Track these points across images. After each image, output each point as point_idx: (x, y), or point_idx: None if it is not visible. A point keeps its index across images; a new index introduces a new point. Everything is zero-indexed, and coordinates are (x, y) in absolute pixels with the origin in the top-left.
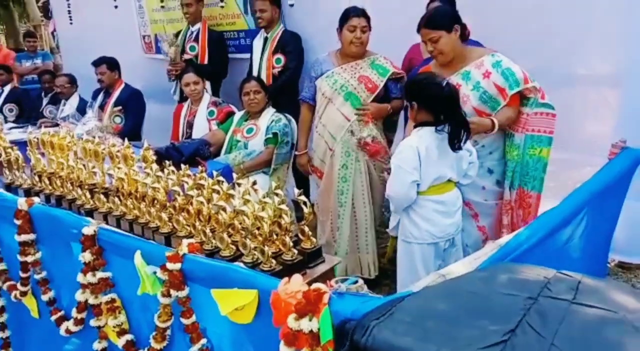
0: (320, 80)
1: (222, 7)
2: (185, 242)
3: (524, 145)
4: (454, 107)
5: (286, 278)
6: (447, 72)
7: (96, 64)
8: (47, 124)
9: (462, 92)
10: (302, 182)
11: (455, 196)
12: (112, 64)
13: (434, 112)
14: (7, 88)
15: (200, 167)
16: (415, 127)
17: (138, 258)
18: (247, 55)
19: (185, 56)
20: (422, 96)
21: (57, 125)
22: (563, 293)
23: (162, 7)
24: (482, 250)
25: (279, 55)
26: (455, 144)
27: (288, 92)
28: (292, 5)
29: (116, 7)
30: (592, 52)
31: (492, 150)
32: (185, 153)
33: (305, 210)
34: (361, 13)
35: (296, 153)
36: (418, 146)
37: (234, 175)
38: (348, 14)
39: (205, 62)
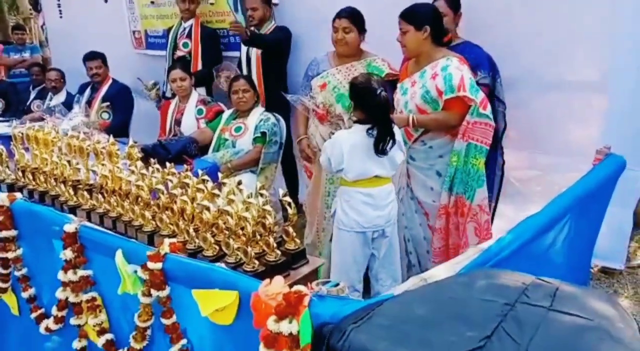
0: (315, 80)
1: (211, 4)
2: (167, 241)
3: (465, 153)
4: (384, 115)
5: (267, 280)
6: (415, 68)
7: (90, 58)
8: (34, 119)
9: (413, 89)
10: (292, 182)
11: (386, 191)
12: (104, 59)
13: (367, 114)
14: None
15: (185, 165)
16: (354, 122)
17: (119, 257)
18: (237, 53)
19: (178, 53)
20: (359, 98)
21: (42, 119)
22: (540, 299)
23: (152, 2)
24: (463, 254)
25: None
26: (379, 148)
27: (278, 92)
28: (276, 5)
29: (106, 1)
30: (578, 58)
31: (441, 153)
32: (173, 151)
33: (290, 211)
34: (344, 14)
35: (297, 140)
36: (342, 141)
37: (220, 175)
38: (334, 16)
39: (199, 58)
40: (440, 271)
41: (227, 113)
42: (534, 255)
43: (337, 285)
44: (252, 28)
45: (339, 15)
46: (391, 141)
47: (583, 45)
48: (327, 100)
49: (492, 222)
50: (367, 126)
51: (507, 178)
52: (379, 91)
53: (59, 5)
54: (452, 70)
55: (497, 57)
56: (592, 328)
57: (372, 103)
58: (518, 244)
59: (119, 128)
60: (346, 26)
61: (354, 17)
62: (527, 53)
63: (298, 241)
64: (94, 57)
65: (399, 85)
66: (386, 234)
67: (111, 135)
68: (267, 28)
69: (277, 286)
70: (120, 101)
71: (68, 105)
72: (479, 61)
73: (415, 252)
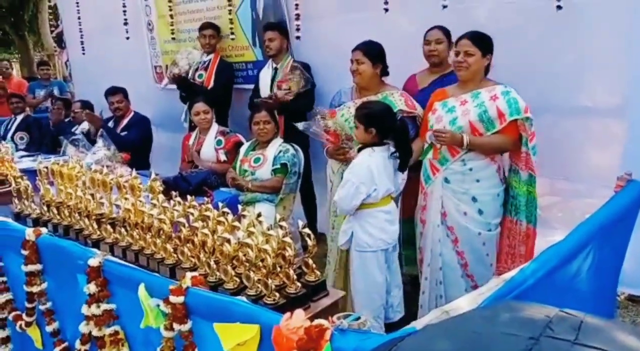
0: (335, 109)
1: (232, 39)
2: (188, 275)
3: (529, 182)
4: (405, 137)
5: (288, 314)
6: (460, 91)
7: (111, 92)
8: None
9: (465, 107)
10: (310, 211)
11: (394, 206)
12: (126, 93)
13: (386, 138)
14: (19, 117)
15: (206, 197)
16: (363, 147)
17: (142, 290)
18: (252, 86)
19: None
20: (378, 121)
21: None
22: (565, 333)
23: (173, 38)
24: (486, 285)
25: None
26: (403, 167)
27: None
28: (298, 38)
29: (128, 38)
30: (596, 84)
31: (479, 177)
32: (193, 183)
33: (310, 242)
34: (358, 47)
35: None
36: (370, 164)
37: (239, 207)
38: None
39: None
40: (462, 303)
41: (246, 144)
42: (558, 285)
43: (359, 318)
44: (284, 94)
45: (355, 47)
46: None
47: (601, 71)
48: (337, 126)
49: None
50: (388, 149)
51: None
52: (398, 117)
53: (82, 43)
54: (515, 95)
55: (514, 86)
56: None
57: (393, 126)
58: (541, 274)
59: (135, 143)
60: (359, 58)
61: (367, 50)
62: (545, 79)
63: (318, 273)
64: (115, 92)
65: (438, 103)
66: (395, 247)
67: (134, 169)
68: (286, 62)
69: (298, 320)
70: (138, 125)
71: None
72: None
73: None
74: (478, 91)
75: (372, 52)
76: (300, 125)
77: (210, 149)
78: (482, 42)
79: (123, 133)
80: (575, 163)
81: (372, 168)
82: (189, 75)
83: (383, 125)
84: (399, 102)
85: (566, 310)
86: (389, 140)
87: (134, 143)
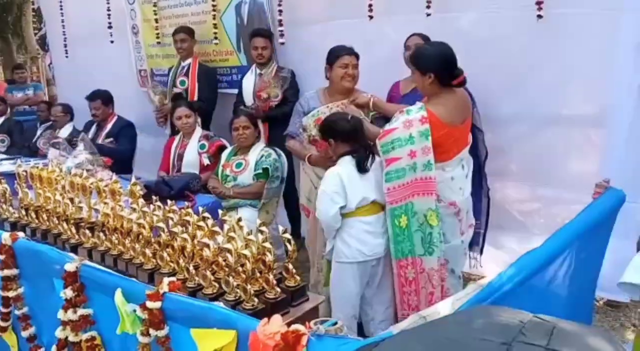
0: (306, 118)
1: (216, 44)
2: (166, 280)
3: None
4: (361, 135)
5: (265, 319)
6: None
7: (90, 98)
8: (44, 148)
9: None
10: (293, 215)
11: (382, 218)
12: (106, 99)
13: (349, 142)
14: (0, 119)
15: (187, 202)
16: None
17: (119, 296)
18: (236, 91)
19: (175, 90)
20: (332, 130)
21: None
22: (537, 338)
23: (158, 43)
24: (463, 291)
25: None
26: (362, 166)
27: (281, 125)
28: (282, 44)
29: (112, 41)
30: (577, 93)
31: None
32: (175, 187)
33: (290, 248)
34: (352, 51)
35: (305, 161)
36: (339, 172)
37: (220, 212)
38: (340, 53)
39: (195, 96)
40: (440, 309)
41: (228, 150)
42: (535, 290)
43: (335, 323)
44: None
45: (348, 51)
46: (372, 157)
47: (581, 80)
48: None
49: (482, 251)
50: (351, 154)
51: (509, 211)
52: (348, 116)
53: (65, 46)
54: (402, 117)
55: (496, 94)
56: None
57: (346, 128)
58: (519, 279)
59: (124, 155)
60: (356, 63)
61: (357, 55)
62: (526, 88)
63: (298, 278)
64: (93, 98)
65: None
66: (380, 262)
67: (114, 173)
68: (271, 67)
69: (275, 325)
70: (124, 133)
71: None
72: None
73: None
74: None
75: (358, 56)
76: (288, 145)
77: (193, 153)
78: (418, 61)
79: (108, 140)
80: (556, 171)
81: (342, 177)
82: (169, 86)
83: (337, 133)
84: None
85: (540, 316)
86: (352, 145)
87: (126, 153)
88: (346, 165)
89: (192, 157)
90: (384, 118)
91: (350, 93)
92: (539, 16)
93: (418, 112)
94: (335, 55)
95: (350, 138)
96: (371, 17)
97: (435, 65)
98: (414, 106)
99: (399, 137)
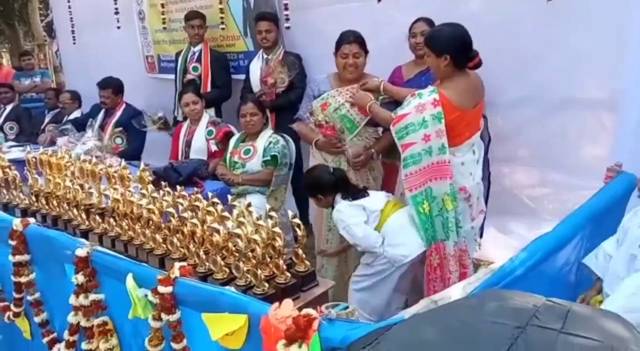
0: (316, 102)
1: (222, 29)
2: (177, 265)
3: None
4: (346, 183)
5: (276, 304)
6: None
7: (102, 86)
8: (45, 140)
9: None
10: (302, 202)
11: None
12: (117, 88)
13: (336, 190)
14: (9, 107)
15: (196, 188)
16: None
17: (130, 281)
18: (243, 76)
19: (188, 76)
20: (322, 187)
21: (53, 143)
22: (552, 322)
23: (165, 28)
24: (475, 275)
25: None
26: (354, 196)
27: (289, 111)
28: (288, 28)
29: (119, 27)
30: (587, 76)
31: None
32: (184, 174)
33: (299, 233)
34: (353, 39)
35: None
36: (340, 210)
37: (229, 197)
38: (341, 41)
39: (209, 81)
40: (451, 293)
41: (236, 136)
42: (546, 275)
43: (347, 307)
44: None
45: (348, 40)
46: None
47: (592, 63)
48: (330, 118)
49: (482, 234)
50: (344, 199)
51: (518, 197)
52: (330, 169)
53: (72, 32)
54: (415, 101)
55: (506, 78)
56: (604, 349)
57: (332, 181)
58: (530, 264)
59: (134, 153)
60: (357, 51)
61: (362, 42)
62: (536, 71)
63: (308, 263)
64: (104, 86)
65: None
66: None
67: (123, 159)
68: (277, 52)
69: (286, 309)
70: (134, 127)
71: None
72: None
73: None
74: (420, 91)
75: (363, 42)
76: (295, 126)
77: (201, 140)
78: (434, 43)
79: (117, 129)
80: (566, 155)
81: (345, 210)
82: (178, 71)
83: (324, 187)
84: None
85: (553, 299)
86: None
87: (141, 148)
88: (341, 204)
89: (200, 143)
90: (394, 103)
91: (360, 79)
92: None
93: (430, 95)
94: (338, 42)
95: (338, 187)
96: (379, 0)
97: (452, 46)
98: (426, 89)
99: (412, 122)
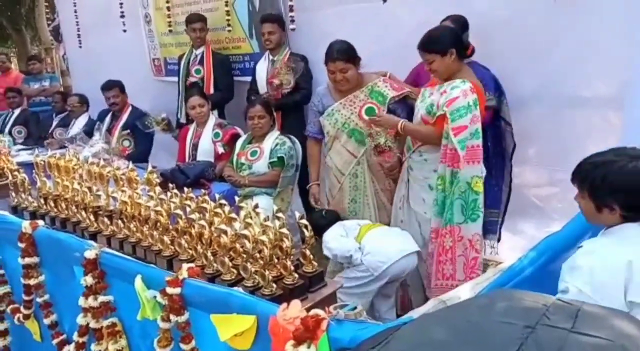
0: (322, 119)
1: (228, 31)
2: (185, 266)
3: (451, 179)
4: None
5: (285, 304)
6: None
7: (107, 87)
8: (53, 146)
9: (429, 99)
10: (308, 203)
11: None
12: (122, 87)
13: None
14: (17, 111)
15: (203, 189)
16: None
17: (139, 282)
18: (249, 78)
19: (191, 79)
20: (320, 230)
21: (64, 146)
22: (562, 321)
23: (170, 31)
24: (484, 275)
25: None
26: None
27: (294, 113)
28: (293, 30)
29: (125, 31)
30: (593, 73)
31: (435, 168)
32: (191, 176)
33: (307, 233)
34: (336, 56)
35: (308, 186)
36: (343, 246)
37: (236, 199)
38: (326, 58)
39: (211, 84)
40: (460, 293)
41: (243, 138)
42: (555, 274)
43: (355, 308)
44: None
45: (332, 58)
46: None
47: (597, 60)
48: (339, 133)
49: (499, 238)
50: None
51: (527, 196)
52: (322, 212)
53: (78, 36)
54: (456, 90)
55: (513, 75)
56: (614, 349)
57: (325, 223)
58: (539, 263)
59: (141, 156)
60: (342, 67)
61: (347, 55)
62: (541, 69)
63: (315, 264)
64: (110, 87)
65: (422, 89)
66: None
67: (130, 161)
68: (283, 54)
69: (294, 310)
70: (141, 130)
71: (90, 130)
72: (485, 82)
73: None
74: (443, 84)
75: (352, 53)
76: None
77: (208, 142)
78: (435, 45)
79: (125, 132)
80: (573, 153)
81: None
82: (181, 74)
83: (321, 230)
84: (386, 89)
85: (564, 299)
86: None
87: (149, 151)
88: (334, 239)
89: (207, 145)
90: (403, 102)
91: (357, 87)
92: None
93: (464, 83)
94: (325, 59)
95: (330, 225)
96: (385, 0)
97: (452, 40)
98: (456, 81)
99: (462, 105)
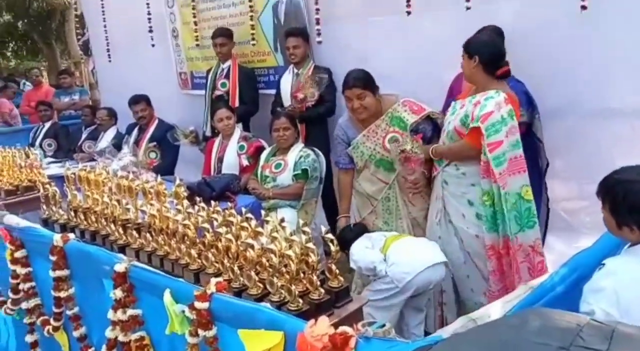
0: (349, 151)
1: (253, 45)
2: (213, 280)
3: (498, 192)
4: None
5: (312, 321)
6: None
7: (135, 102)
8: (84, 159)
9: (460, 111)
10: (332, 216)
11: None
12: (148, 100)
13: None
14: (47, 124)
15: (229, 202)
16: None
17: (167, 296)
18: (273, 91)
19: (216, 92)
20: (347, 244)
21: (93, 159)
22: (597, 343)
23: (197, 45)
24: (514, 293)
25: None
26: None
27: (319, 125)
28: (319, 43)
29: (153, 45)
30: (622, 85)
31: (474, 181)
32: (217, 189)
33: (332, 248)
34: (352, 83)
35: (337, 218)
36: (366, 257)
37: (262, 212)
38: (343, 85)
39: (237, 97)
40: (490, 311)
41: (267, 150)
42: None
43: (383, 326)
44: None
45: (348, 85)
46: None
47: (626, 72)
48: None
49: None
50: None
51: (555, 210)
52: (350, 227)
53: (107, 50)
54: (491, 101)
55: (540, 88)
56: None
57: (352, 236)
58: (571, 281)
59: (168, 169)
60: (359, 93)
61: (364, 82)
62: (570, 82)
63: (341, 279)
64: (137, 101)
65: (453, 102)
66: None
67: (158, 175)
68: (307, 67)
69: (322, 327)
70: (167, 142)
71: (118, 143)
72: (518, 97)
73: (452, 276)
74: (475, 95)
75: (369, 80)
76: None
77: (233, 155)
78: (467, 45)
79: (152, 144)
80: (602, 166)
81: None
82: (207, 88)
83: (349, 244)
84: (406, 114)
85: (598, 319)
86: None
87: (174, 163)
88: (361, 253)
89: (232, 158)
90: (428, 120)
91: (377, 115)
92: (583, 7)
93: (498, 94)
94: (343, 88)
95: (357, 238)
96: (409, 12)
97: (482, 50)
98: (490, 92)
99: (497, 120)
